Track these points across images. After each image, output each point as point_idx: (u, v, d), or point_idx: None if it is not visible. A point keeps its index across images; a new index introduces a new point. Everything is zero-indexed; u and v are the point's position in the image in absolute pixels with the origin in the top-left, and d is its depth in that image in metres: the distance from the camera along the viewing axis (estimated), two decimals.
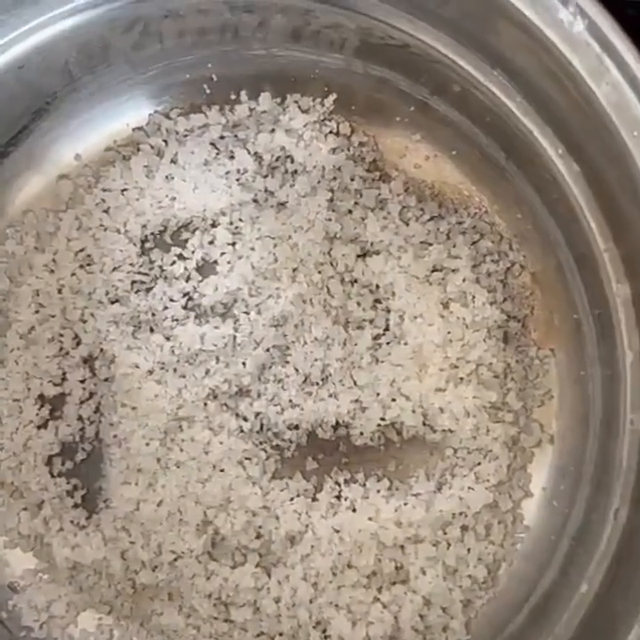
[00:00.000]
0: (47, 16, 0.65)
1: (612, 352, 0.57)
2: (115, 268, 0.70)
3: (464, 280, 0.67)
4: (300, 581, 0.66)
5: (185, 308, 0.70)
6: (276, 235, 0.69)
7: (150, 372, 0.69)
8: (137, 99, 0.72)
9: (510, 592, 0.65)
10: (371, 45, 0.66)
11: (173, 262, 0.70)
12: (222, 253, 0.70)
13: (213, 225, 0.70)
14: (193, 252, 0.70)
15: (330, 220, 0.68)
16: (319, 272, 0.68)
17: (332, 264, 0.68)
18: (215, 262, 0.70)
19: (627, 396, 0.54)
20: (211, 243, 0.70)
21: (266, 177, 0.70)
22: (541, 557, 0.64)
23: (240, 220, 0.70)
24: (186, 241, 0.71)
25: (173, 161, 0.71)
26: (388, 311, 0.68)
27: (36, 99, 0.70)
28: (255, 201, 0.70)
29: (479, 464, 0.66)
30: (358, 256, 0.69)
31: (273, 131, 0.71)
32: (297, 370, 0.68)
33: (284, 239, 0.69)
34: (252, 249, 0.69)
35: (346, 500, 0.67)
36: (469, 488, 0.66)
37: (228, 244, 0.70)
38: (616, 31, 0.45)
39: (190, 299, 0.70)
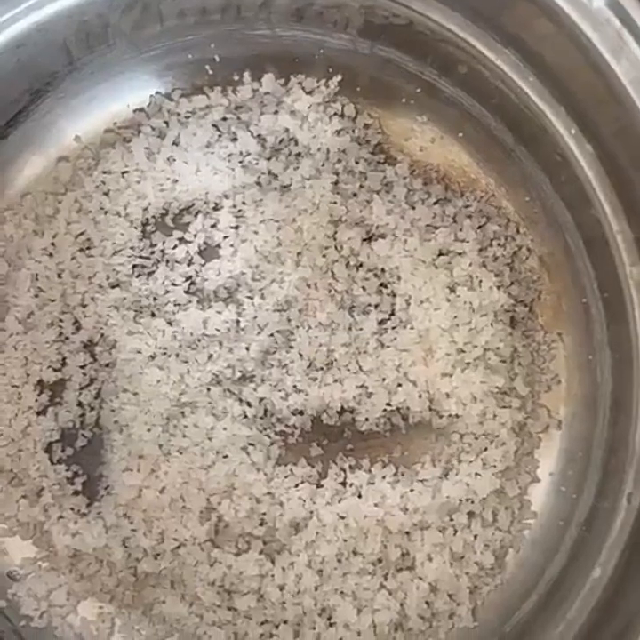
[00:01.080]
0: None
1: (622, 336, 0.56)
2: (115, 252, 0.69)
3: (471, 264, 0.66)
4: (305, 568, 0.65)
5: (187, 292, 0.69)
6: (280, 218, 0.68)
7: (152, 358, 0.68)
8: (138, 79, 0.71)
9: (518, 578, 0.65)
10: (375, 25, 0.65)
11: (175, 246, 0.69)
12: (225, 237, 0.69)
13: (216, 208, 0.69)
14: (195, 236, 0.69)
15: (335, 203, 0.68)
16: (324, 256, 0.67)
17: (336, 248, 0.68)
18: (218, 246, 0.69)
19: (637, 379, 0.53)
20: (213, 226, 0.69)
21: (269, 159, 0.69)
22: (549, 543, 0.63)
23: (243, 203, 0.69)
24: (188, 224, 0.70)
25: (175, 143, 0.70)
26: (394, 295, 0.67)
27: (36, 79, 0.68)
28: (258, 184, 0.69)
29: (486, 450, 0.66)
30: (363, 239, 0.68)
31: (276, 112, 0.70)
32: (301, 355, 0.67)
33: (288, 222, 0.68)
34: (256, 232, 0.68)
35: (351, 486, 0.66)
36: (476, 474, 0.65)
37: (231, 228, 0.69)
38: (636, 7, 0.44)
39: (192, 283, 0.69)
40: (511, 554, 0.66)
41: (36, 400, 0.69)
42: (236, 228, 0.69)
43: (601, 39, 0.45)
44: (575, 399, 0.65)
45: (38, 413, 0.69)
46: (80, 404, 0.69)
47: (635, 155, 0.48)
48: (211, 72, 0.70)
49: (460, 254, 0.67)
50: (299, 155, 0.69)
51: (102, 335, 0.69)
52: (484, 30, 0.56)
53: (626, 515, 0.53)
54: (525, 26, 0.51)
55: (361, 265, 0.68)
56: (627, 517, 0.53)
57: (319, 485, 0.66)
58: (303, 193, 0.68)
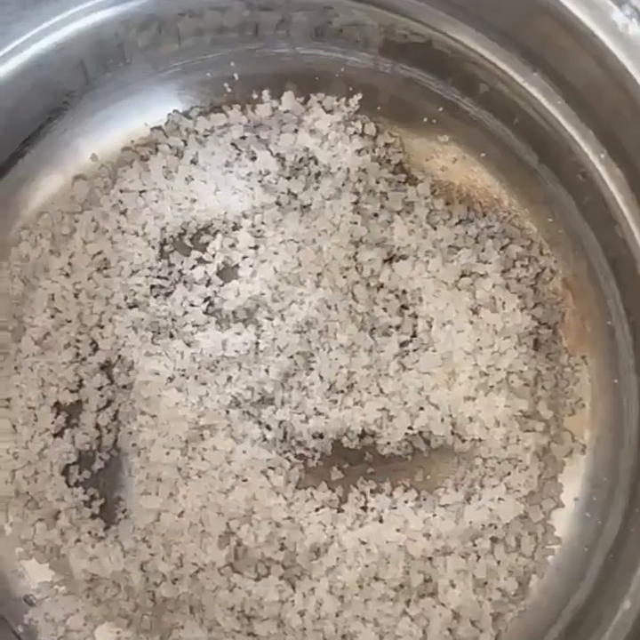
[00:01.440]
0: (63, 15, 0.64)
1: None
2: (133, 272, 0.69)
3: (494, 286, 0.66)
4: (326, 594, 0.64)
5: (206, 313, 0.68)
6: (300, 238, 0.67)
7: (171, 380, 0.67)
8: (155, 97, 0.70)
9: (542, 606, 0.64)
10: (395, 43, 0.64)
11: (193, 266, 0.69)
12: (244, 257, 0.68)
13: (235, 228, 0.69)
14: (214, 256, 0.69)
15: (355, 223, 0.67)
16: (344, 277, 0.67)
17: (357, 269, 0.67)
18: (237, 266, 0.68)
19: None
20: (232, 246, 0.68)
21: (289, 179, 0.69)
22: (574, 570, 0.63)
23: (263, 223, 0.68)
24: (206, 244, 0.69)
25: (193, 162, 0.69)
26: (416, 317, 0.67)
27: (53, 98, 0.68)
28: (278, 203, 0.68)
29: (509, 474, 0.65)
30: (384, 260, 0.67)
31: (296, 131, 0.69)
32: (321, 377, 0.66)
33: (308, 243, 0.67)
34: (276, 253, 0.67)
35: (373, 510, 0.65)
36: (499, 499, 0.64)
37: (251, 248, 0.68)
38: None
39: (211, 304, 0.68)
40: (535, 580, 0.65)
41: (53, 422, 0.68)
42: (256, 248, 0.68)
43: (636, 66, 0.44)
44: (600, 423, 0.64)
45: (55, 435, 0.68)
46: (97, 426, 0.68)
47: None
48: (229, 90, 0.70)
49: (482, 276, 0.66)
50: (318, 174, 0.69)
51: (120, 356, 0.68)
52: (511, 52, 0.55)
53: None
54: (555, 50, 0.50)
55: (382, 286, 0.67)
56: None
57: (340, 510, 0.66)
58: (323, 213, 0.67)
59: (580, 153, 0.55)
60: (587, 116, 0.53)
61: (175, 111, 0.70)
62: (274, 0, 0.65)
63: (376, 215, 0.68)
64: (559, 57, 0.51)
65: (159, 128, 0.70)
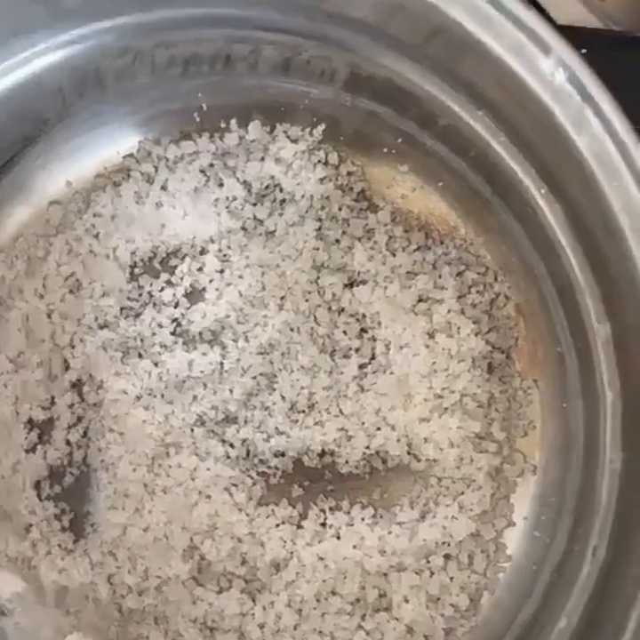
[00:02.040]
0: (39, 47, 0.66)
1: (592, 388, 0.57)
2: (104, 294, 0.71)
3: (449, 311, 0.68)
4: (285, 608, 0.66)
5: (173, 334, 0.70)
6: (264, 263, 0.69)
7: (138, 398, 0.69)
8: (128, 126, 0.72)
9: (492, 621, 0.66)
10: (359, 78, 0.66)
11: (162, 289, 0.71)
12: (211, 280, 0.70)
13: (202, 252, 0.71)
14: (182, 279, 0.71)
15: (317, 249, 0.69)
16: (306, 300, 0.69)
17: (319, 293, 0.69)
18: (204, 289, 0.71)
19: (606, 435, 0.55)
20: (199, 270, 0.71)
21: (255, 205, 0.71)
22: (523, 587, 0.64)
23: (229, 247, 0.70)
24: (175, 267, 0.71)
25: (163, 188, 0.72)
26: (374, 340, 0.69)
27: (29, 126, 0.70)
28: (244, 229, 0.71)
29: (463, 493, 0.67)
30: (345, 285, 0.69)
31: (262, 159, 0.71)
32: (283, 397, 0.68)
33: (272, 268, 0.69)
34: (241, 277, 0.69)
35: (331, 527, 0.67)
36: (453, 517, 0.66)
37: (217, 272, 0.70)
38: (596, 83, 0.45)
39: (179, 325, 0.71)
40: (486, 596, 0.67)
41: (26, 438, 0.70)
42: (222, 271, 0.70)
43: (563, 113, 0.47)
44: (549, 445, 0.66)
45: (27, 451, 0.70)
46: (68, 443, 0.70)
47: (599, 220, 0.49)
48: (198, 119, 0.72)
49: (438, 301, 0.68)
50: (283, 201, 0.71)
51: (90, 375, 0.70)
52: (458, 91, 0.57)
53: (591, 567, 0.54)
54: (494, 92, 0.52)
55: (342, 310, 0.69)
56: (592, 570, 0.54)
57: (300, 526, 0.68)
58: (287, 239, 0.69)
59: (523, 188, 0.57)
60: (527, 153, 0.55)
61: (146, 139, 0.73)
62: (248, 34, 0.67)
63: (337, 241, 0.70)
64: (498, 98, 0.53)
65: (131, 155, 0.73)
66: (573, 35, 0.73)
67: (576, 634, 0.54)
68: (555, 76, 0.46)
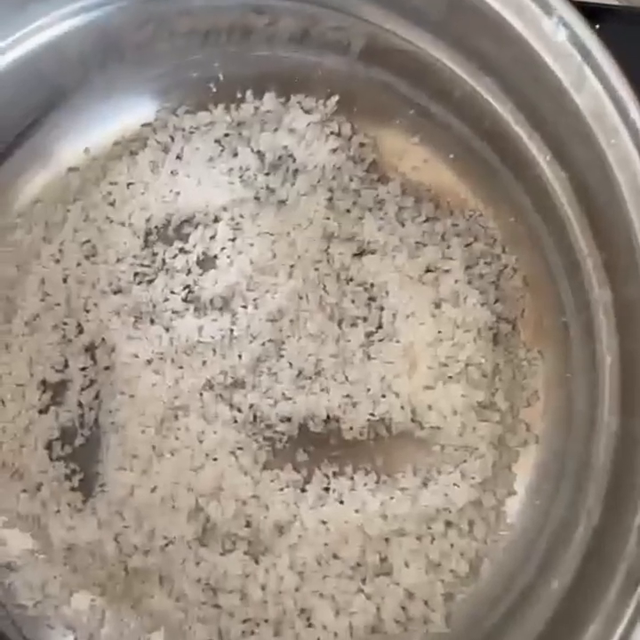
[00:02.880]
0: (64, 10, 0.67)
1: (593, 355, 0.58)
2: (118, 260, 0.72)
3: (456, 281, 0.68)
4: (287, 570, 0.67)
5: (185, 300, 0.71)
6: (275, 231, 0.70)
7: (149, 362, 0.70)
8: (146, 95, 0.74)
9: (491, 587, 0.66)
10: (374, 49, 0.67)
11: (175, 256, 0.72)
12: (222, 248, 0.71)
13: (215, 220, 0.72)
14: (194, 246, 0.72)
15: (328, 218, 0.70)
16: (316, 269, 0.70)
17: (328, 262, 0.70)
18: (215, 257, 0.72)
19: (605, 398, 0.55)
20: (212, 238, 0.72)
21: (268, 175, 0.72)
22: (522, 555, 0.65)
23: (241, 216, 0.71)
24: (188, 235, 0.72)
25: (179, 157, 0.73)
26: (382, 309, 0.70)
27: (48, 92, 0.72)
28: (256, 198, 0.72)
29: (465, 461, 0.67)
30: (354, 254, 0.70)
31: (276, 130, 0.72)
32: (291, 364, 0.69)
33: (283, 236, 0.70)
34: (252, 245, 0.71)
35: (334, 492, 0.68)
36: (454, 484, 0.67)
37: (229, 240, 0.71)
38: (595, 42, 0.46)
39: (190, 291, 0.72)
40: (486, 563, 0.67)
41: (39, 399, 0.72)
42: (233, 240, 0.71)
43: (563, 72, 0.47)
44: (552, 415, 0.67)
45: (40, 412, 0.72)
46: (80, 405, 0.72)
47: (600, 181, 0.50)
48: (214, 90, 0.73)
49: (446, 271, 0.69)
50: (296, 171, 0.72)
51: (103, 339, 0.72)
52: (468, 60, 0.58)
53: (584, 530, 0.54)
54: (500, 56, 0.53)
55: (351, 279, 0.70)
56: (585, 533, 0.54)
57: (303, 490, 0.69)
58: (298, 208, 0.70)
59: (530, 155, 0.58)
60: (532, 118, 0.55)
61: (164, 108, 0.74)
62: (267, 4, 0.68)
63: (348, 211, 0.71)
64: (504, 63, 0.54)
65: (148, 125, 0.74)
66: (594, 11, 0.74)
67: (566, 594, 0.55)
68: (556, 35, 0.47)
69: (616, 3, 0.80)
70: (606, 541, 0.50)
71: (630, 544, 0.46)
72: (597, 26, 0.70)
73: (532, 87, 0.51)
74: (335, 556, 0.67)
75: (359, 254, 0.70)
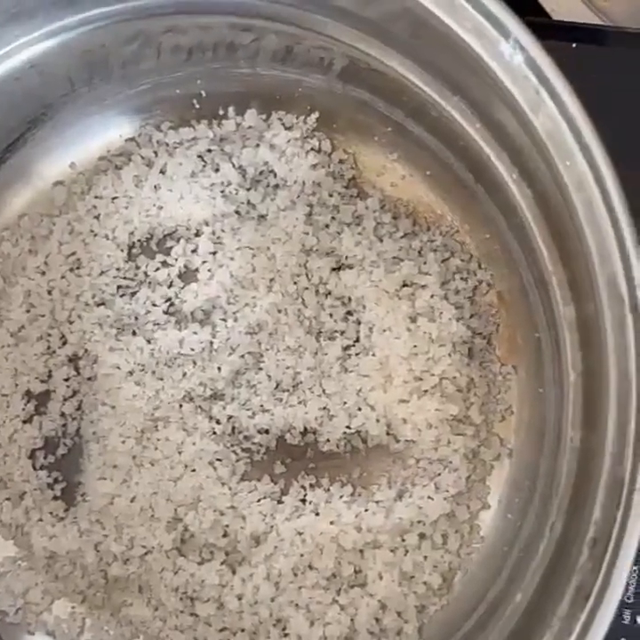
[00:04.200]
0: (52, 26, 0.68)
1: (560, 371, 0.58)
2: (102, 273, 0.74)
3: (432, 296, 0.69)
4: (263, 580, 0.68)
5: (166, 312, 0.73)
6: (255, 246, 0.71)
7: (130, 373, 0.72)
8: (130, 111, 0.75)
9: (463, 600, 0.67)
10: (353, 69, 0.68)
11: (157, 269, 0.73)
12: (203, 262, 0.73)
13: (197, 234, 0.73)
14: (176, 260, 0.73)
15: (307, 233, 0.71)
16: (294, 283, 0.71)
17: (307, 276, 0.71)
18: (196, 270, 0.73)
19: (569, 413, 0.56)
20: (193, 251, 0.73)
21: (249, 190, 0.73)
22: (494, 567, 0.65)
23: (222, 230, 0.73)
24: (170, 249, 0.74)
25: (162, 171, 0.74)
26: (359, 323, 0.70)
27: (34, 108, 0.73)
28: (237, 213, 0.73)
29: (439, 474, 0.68)
30: (333, 269, 0.71)
31: (257, 146, 0.73)
32: (269, 376, 0.70)
33: (263, 250, 0.71)
34: (232, 259, 0.72)
35: (310, 503, 0.69)
36: (428, 497, 0.68)
37: (210, 253, 0.72)
38: (551, 65, 0.47)
39: (172, 304, 0.73)
40: (459, 576, 0.68)
41: (23, 409, 0.73)
42: (214, 253, 0.72)
43: (521, 94, 0.48)
44: (526, 430, 0.68)
45: (24, 422, 0.73)
46: (63, 415, 0.73)
47: (562, 201, 0.51)
48: (197, 106, 0.74)
49: (422, 286, 0.70)
50: (276, 186, 0.73)
51: (86, 350, 0.73)
52: (437, 80, 0.59)
53: (548, 543, 0.55)
54: (465, 77, 0.54)
55: (329, 293, 0.71)
56: (548, 545, 0.55)
57: (280, 501, 0.70)
58: (278, 223, 0.72)
59: (499, 174, 0.58)
60: (499, 138, 0.56)
61: (148, 124, 0.75)
62: (253, 23, 0.69)
63: (327, 226, 0.72)
64: (469, 83, 0.54)
65: (133, 139, 0.75)
66: (569, 30, 0.75)
67: (526, 607, 0.55)
68: (513, 57, 0.48)
69: (598, 21, 0.80)
70: (563, 555, 0.51)
71: (583, 557, 0.47)
72: (574, 45, 0.71)
73: (496, 107, 0.52)
74: (311, 567, 0.68)
75: (337, 269, 0.71)
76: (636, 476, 0.46)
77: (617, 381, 0.48)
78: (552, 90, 0.47)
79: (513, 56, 0.48)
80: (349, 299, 0.71)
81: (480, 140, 0.58)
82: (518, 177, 0.56)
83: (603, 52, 0.73)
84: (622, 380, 0.47)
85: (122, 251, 0.74)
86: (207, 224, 0.73)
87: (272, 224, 0.72)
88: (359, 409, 0.69)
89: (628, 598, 0.66)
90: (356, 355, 0.70)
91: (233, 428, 0.71)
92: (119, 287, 0.74)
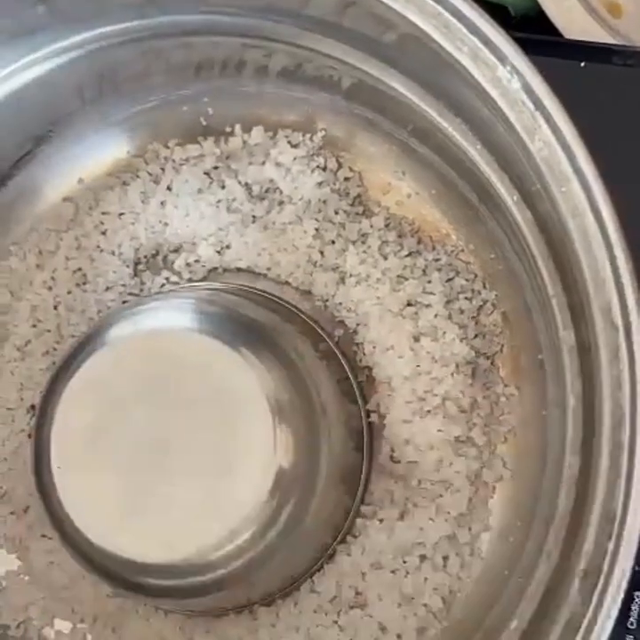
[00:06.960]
0: (70, 41, 0.69)
1: (561, 395, 0.58)
2: (108, 288, 0.74)
3: (436, 315, 0.69)
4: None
5: None
6: (260, 248, 0.72)
7: None
8: (138, 127, 0.75)
9: (462, 622, 0.66)
10: (359, 89, 0.68)
11: (163, 285, 0.74)
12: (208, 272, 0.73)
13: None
14: (180, 274, 0.73)
15: (312, 248, 0.71)
16: None
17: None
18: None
19: (568, 438, 0.55)
20: (196, 261, 0.74)
21: (254, 205, 0.73)
22: (494, 591, 0.65)
23: (226, 236, 0.73)
24: (174, 263, 0.74)
25: (168, 188, 0.74)
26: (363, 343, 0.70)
27: (43, 124, 0.74)
28: (242, 222, 0.73)
29: (441, 496, 0.67)
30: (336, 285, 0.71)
31: (263, 163, 0.73)
32: None
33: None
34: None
35: None
36: (430, 519, 0.67)
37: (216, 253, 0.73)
38: (547, 92, 0.46)
39: None
40: (459, 598, 0.67)
41: (28, 423, 0.73)
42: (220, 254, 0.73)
43: (518, 119, 0.48)
44: (528, 452, 0.67)
45: (29, 436, 0.73)
46: None
47: (559, 225, 0.50)
48: (204, 123, 0.75)
49: (426, 306, 0.69)
50: (282, 203, 0.73)
51: None
52: (439, 101, 0.59)
53: (544, 571, 0.54)
54: (465, 99, 0.54)
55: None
56: (544, 573, 0.54)
57: None
58: (284, 234, 0.72)
59: (499, 195, 0.58)
60: (499, 159, 0.56)
61: (155, 141, 0.76)
62: (263, 43, 0.69)
63: (333, 242, 0.71)
64: (469, 106, 0.54)
65: (140, 156, 0.76)
66: (577, 49, 0.75)
67: (523, 637, 0.54)
68: (511, 83, 0.47)
69: (610, 40, 0.80)
70: (556, 585, 0.50)
71: (573, 589, 0.46)
72: (583, 64, 0.71)
73: (496, 131, 0.52)
74: (312, 591, 0.68)
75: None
76: (627, 510, 0.45)
77: (611, 410, 0.47)
78: (548, 116, 0.47)
79: (510, 81, 0.47)
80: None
81: (481, 162, 0.58)
82: (519, 199, 0.56)
83: (610, 70, 0.72)
84: (616, 409, 0.47)
85: (127, 266, 0.74)
86: (211, 236, 0.73)
87: (278, 234, 0.72)
88: None
89: (631, 624, 0.65)
90: None
91: None
92: (124, 303, 0.74)
